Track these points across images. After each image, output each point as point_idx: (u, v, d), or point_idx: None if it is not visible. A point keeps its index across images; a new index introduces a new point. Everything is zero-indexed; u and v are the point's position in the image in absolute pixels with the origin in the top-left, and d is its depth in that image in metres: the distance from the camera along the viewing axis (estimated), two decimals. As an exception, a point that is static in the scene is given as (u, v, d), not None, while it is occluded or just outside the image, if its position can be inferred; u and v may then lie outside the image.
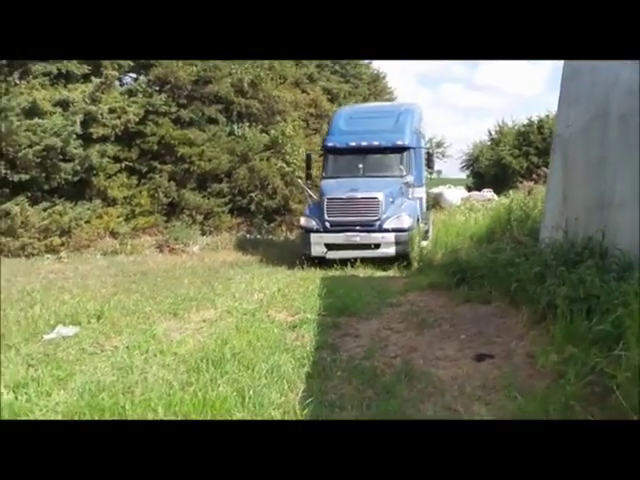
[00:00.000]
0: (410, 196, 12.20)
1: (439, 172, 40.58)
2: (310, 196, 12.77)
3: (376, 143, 12.20)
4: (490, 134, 36.81)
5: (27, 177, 12.26)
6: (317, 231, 11.34)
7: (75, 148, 12.91)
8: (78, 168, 13.17)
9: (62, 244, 12.58)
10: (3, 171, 11.90)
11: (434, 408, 3.95)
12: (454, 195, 24.72)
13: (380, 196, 11.19)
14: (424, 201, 14.39)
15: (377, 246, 11.05)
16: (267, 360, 4.91)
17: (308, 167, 13.61)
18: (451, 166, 59.86)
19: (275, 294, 8.08)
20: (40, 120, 12.26)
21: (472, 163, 38.03)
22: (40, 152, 12.15)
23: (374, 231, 11.12)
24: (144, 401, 4.01)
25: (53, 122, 12.41)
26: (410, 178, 12.16)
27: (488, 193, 25.03)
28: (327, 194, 11.49)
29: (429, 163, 13.77)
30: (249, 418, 3.76)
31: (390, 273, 10.52)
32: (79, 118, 12.83)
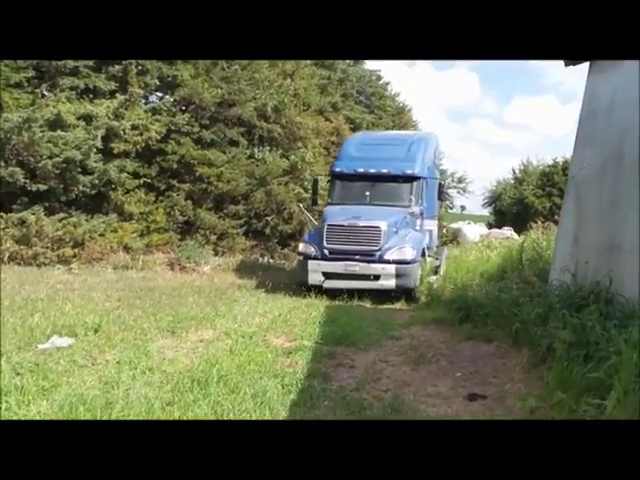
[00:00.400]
0: (418, 227, 11.81)
1: (463, 207, 40.40)
2: (311, 221, 12.55)
3: (385, 171, 11.83)
4: (514, 172, 36.65)
5: (45, 187, 12.42)
6: (315, 258, 10.88)
7: (95, 162, 13.08)
8: (96, 182, 13.32)
9: (74, 255, 12.62)
10: (22, 180, 12.08)
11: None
12: (472, 231, 24.52)
13: (383, 225, 10.77)
14: (435, 234, 13.96)
15: (377, 277, 10.57)
16: (254, 384, 4.84)
17: (314, 192, 13.31)
18: (473, 202, 59.44)
19: (276, 319, 8.01)
20: (62, 132, 12.47)
21: (494, 200, 37.77)
22: (60, 164, 12.32)
23: (374, 262, 10.62)
24: (121, 417, 3.95)
25: (75, 135, 12.61)
26: (416, 208, 11.72)
27: (508, 231, 24.76)
28: (328, 220, 11.08)
29: (440, 195, 13.30)
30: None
31: (397, 305, 10.39)
32: (101, 133, 13.02)
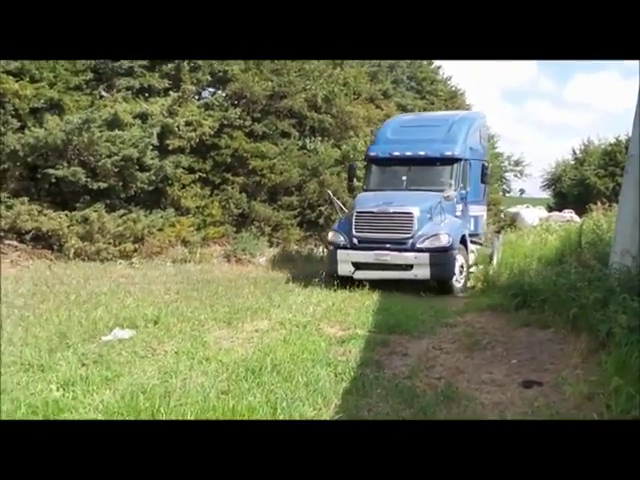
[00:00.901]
0: (458, 213, 11.10)
1: (522, 191, 39.43)
2: (341, 209, 12.09)
3: (422, 153, 11.09)
4: (574, 153, 35.48)
5: (106, 185, 12.82)
6: (344, 247, 10.37)
7: (151, 159, 13.41)
8: (153, 178, 13.65)
9: (135, 250, 13.04)
10: (84, 179, 12.53)
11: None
12: (531, 215, 23.92)
13: (415, 211, 10.11)
14: (482, 220, 13.07)
15: (410, 267, 9.96)
16: (307, 373, 4.91)
17: (350, 179, 12.84)
18: (532, 185, 57.83)
19: (330, 308, 8.08)
20: (120, 132, 12.85)
21: (554, 183, 36.68)
22: (118, 162, 12.69)
23: (406, 250, 10.00)
24: (179, 406, 4.09)
25: (132, 134, 12.98)
26: (452, 192, 10.79)
27: (568, 214, 24.02)
28: (357, 207, 10.56)
29: (483, 177, 12.28)
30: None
31: (452, 293, 10.27)
32: (156, 130, 13.34)
